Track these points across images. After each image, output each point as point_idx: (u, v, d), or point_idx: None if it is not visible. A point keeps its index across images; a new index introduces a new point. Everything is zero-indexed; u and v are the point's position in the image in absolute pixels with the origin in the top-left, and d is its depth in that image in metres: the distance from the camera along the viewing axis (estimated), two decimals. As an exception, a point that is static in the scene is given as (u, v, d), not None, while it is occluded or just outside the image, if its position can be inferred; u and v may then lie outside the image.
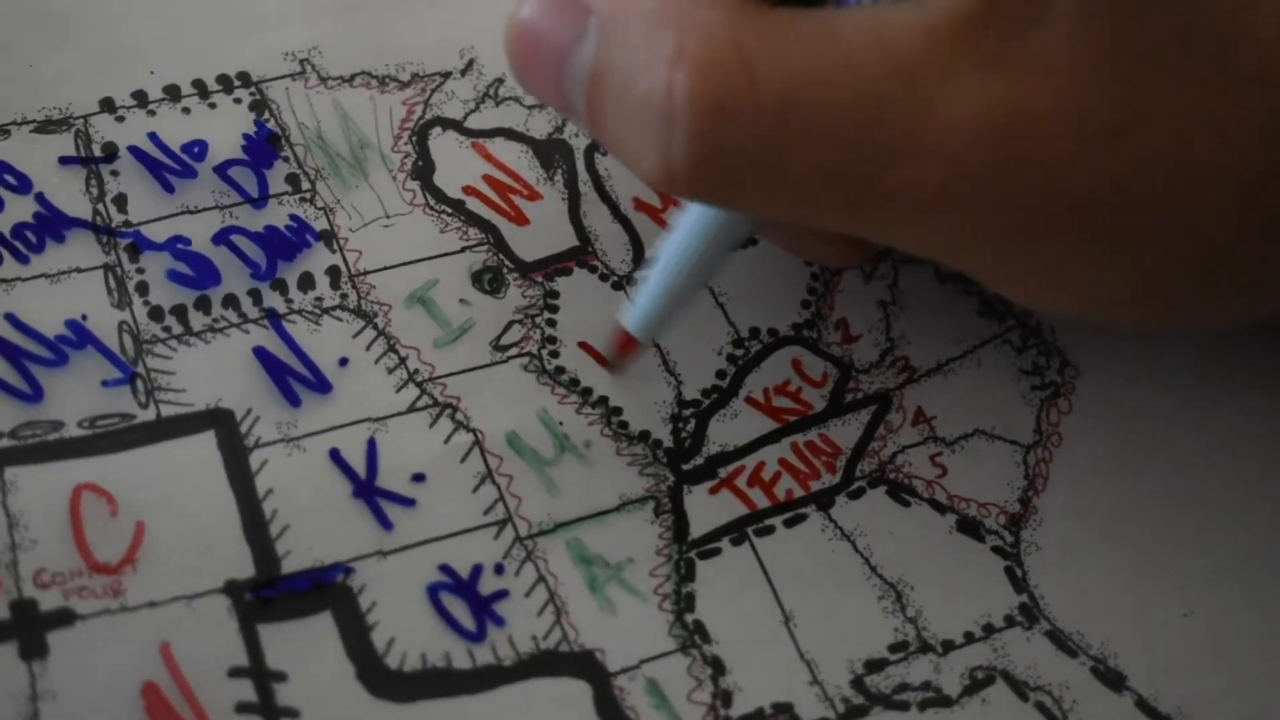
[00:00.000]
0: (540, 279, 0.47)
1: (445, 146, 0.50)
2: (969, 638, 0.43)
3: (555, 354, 0.46)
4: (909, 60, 0.36)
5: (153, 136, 0.48)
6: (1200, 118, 0.36)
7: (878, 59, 0.36)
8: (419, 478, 0.43)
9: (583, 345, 0.47)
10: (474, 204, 0.49)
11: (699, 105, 0.36)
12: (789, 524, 0.44)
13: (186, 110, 0.49)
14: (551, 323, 0.47)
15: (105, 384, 0.44)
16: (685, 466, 0.45)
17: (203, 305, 0.45)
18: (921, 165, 0.36)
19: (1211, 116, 0.36)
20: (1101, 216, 0.37)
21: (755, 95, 0.36)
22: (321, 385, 0.44)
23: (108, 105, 0.49)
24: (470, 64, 0.52)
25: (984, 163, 0.36)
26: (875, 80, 0.36)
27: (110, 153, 0.48)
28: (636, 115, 0.37)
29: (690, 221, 0.43)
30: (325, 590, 0.41)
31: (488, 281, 0.47)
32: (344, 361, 0.45)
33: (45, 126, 0.48)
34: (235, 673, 0.40)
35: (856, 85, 0.36)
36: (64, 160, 0.47)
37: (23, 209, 0.46)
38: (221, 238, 0.46)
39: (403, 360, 0.45)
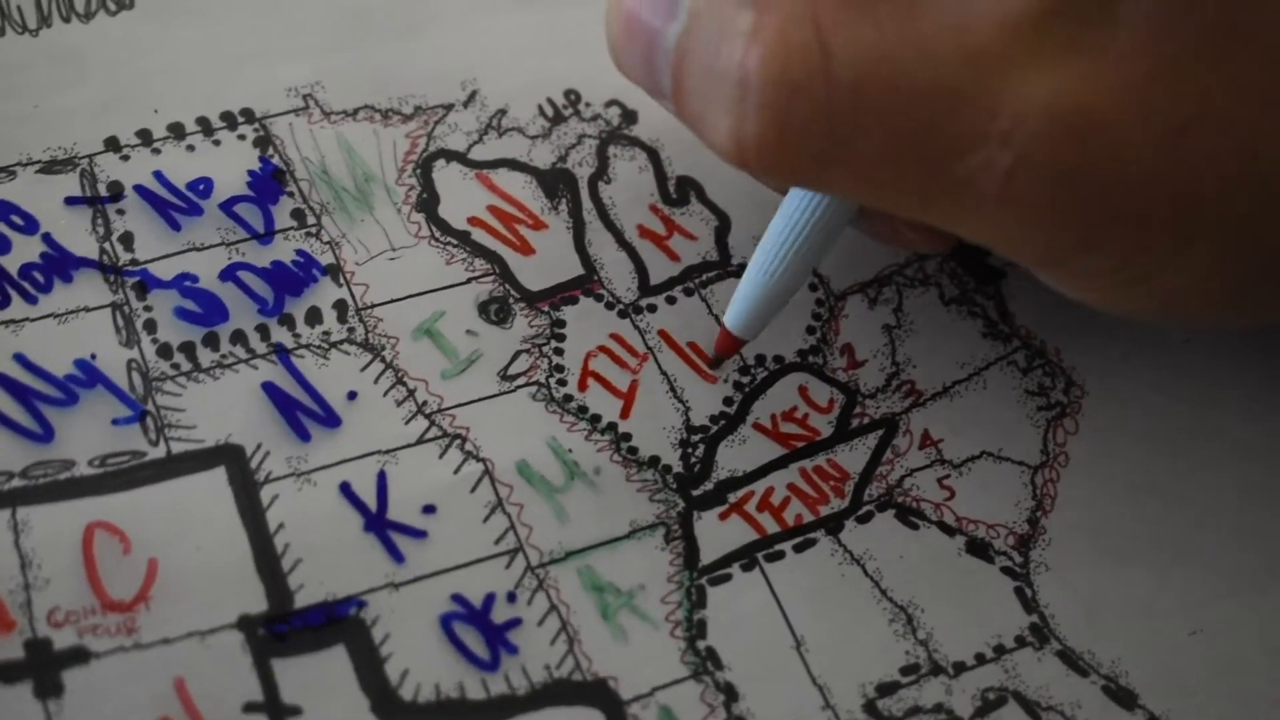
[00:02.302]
0: (546, 308, 0.48)
1: (449, 178, 0.50)
2: (980, 659, 0.43)
3: (563, 382, 0.46)
4: (983, 48, 0.36)
5: (158, 175, 0.49)
6: (1270, 113, 0.36)
7: (952, 45, 0.36)
8: (429, 509, 0.43)
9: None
10: (479, 235, 0.49)
11: (771, 78, 0.37)
12: (799, 549, 0.44)
13: (191, 148, 0.49)
14: (559, 351, 0.47)
15: (115, 422, 0.44)
16: (695, 492, 0.45)
17: (211, 342, 0.45)
18: (991, 154, 0.36)
19: None
20: (1168, 211, 0.37)
21: (829, 72, 0.36)
22: (330, 419, 0.44)
23: (112, 144, 0.49)
24: (473, 95, 0.52)
25: (1052, 153, 0.36)
26: (949, 66, 0.36)
27: (116, 192, 0.48)
28: (713, 88, 0.38)
29: (782, 218, 0.44)
30: (338, 624, 0.41)
31: (494, 312, 0.47)
32: (353, 395, 0.45)
33: (51, 166, 0.48)
34: (250, 708, 0.40)
35: (930, 70, 0.36)
36: (70, 200, 0.48)
37: (30, 249, 0.46)
38: (228, 274, 0.47)
39: (411, 392, 0.45)
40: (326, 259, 0.48)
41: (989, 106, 0.36)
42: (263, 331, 0.46)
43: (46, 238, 0.47)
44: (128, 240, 0.47)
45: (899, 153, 0.37)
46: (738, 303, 0.45)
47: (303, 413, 0.44)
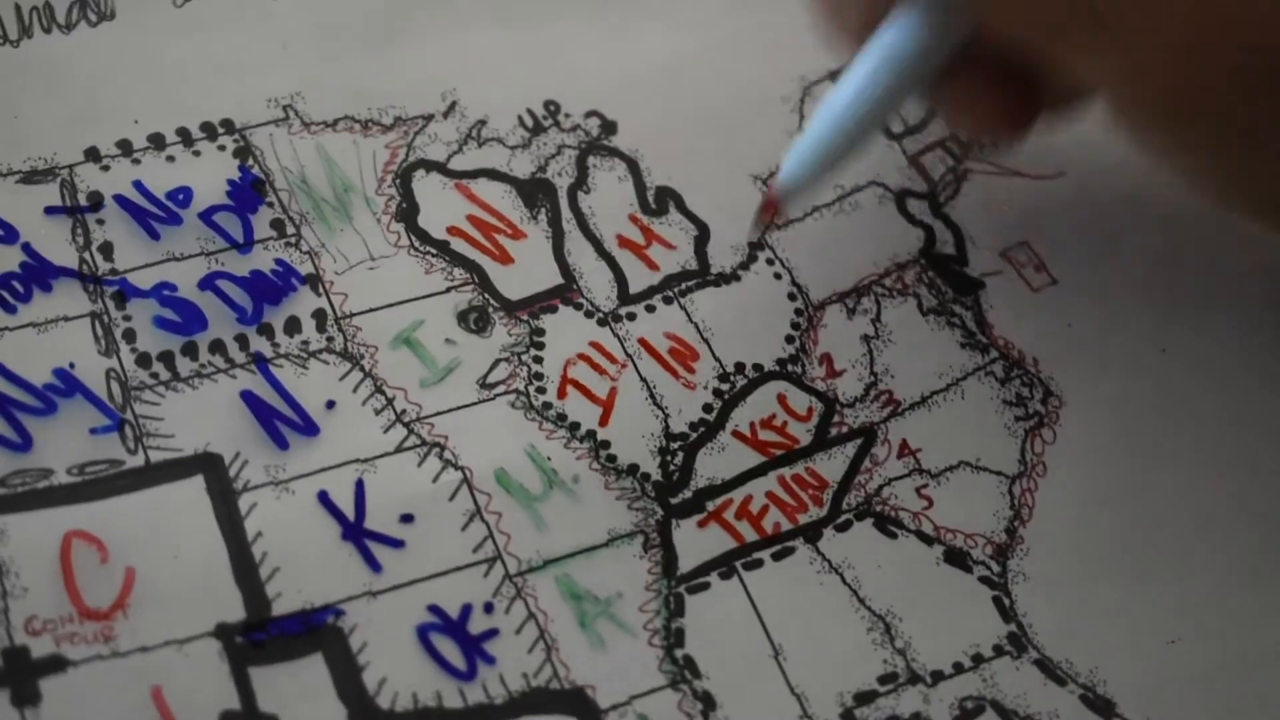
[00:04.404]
0: (525, 317, 0.48)
1: (429, 188, 0.50)
2: (958, 668, 0.43)
3: (542, 390, 0.46)
4: None
5: (138, 184, 0.49)
6: None
7: None
8: (407, 518, 0.43)
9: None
10: (458, 244, 0.49)
11: None
12: (777, 557, 0.44)
13: (171, 158, 0.49)
14: (538, 359, 0.47)
15: (94, 431, 0.44)
16: (673, 500, 0.45)
17: (190, 351, 0.45)
18: None
19: None
20: None
21: None
22: (309, 428, 0.44)
23: (92, 155, 0.49)
24: (452, 106, 0.52)
25: None
26: None
27: (96, 202, 0.48)
28: None
29: (866, 60, 0.43)
30: (316, 632, 0.41)
31: (473, 321, 0.47)
32: (331, 404, 0.45)
33: (31, 177, 0.48)
34: (227, 716, 0.40)
35: None
36: (50, 210, 0.48)
37: (9, 259, 0.46)
38: (207, 283, 0.47)
39: (390, 401, 0.45)
40: (306, 268, 0.48)
41: None
42: (241, 341, 0.46)
43: (26, 247, 0.47)
44: (107, 250, 0.47)
45: None
46: (799, 149, 0.43)
47: (281, 421, 0.44)
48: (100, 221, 0.48)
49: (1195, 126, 0.39)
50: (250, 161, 0.50)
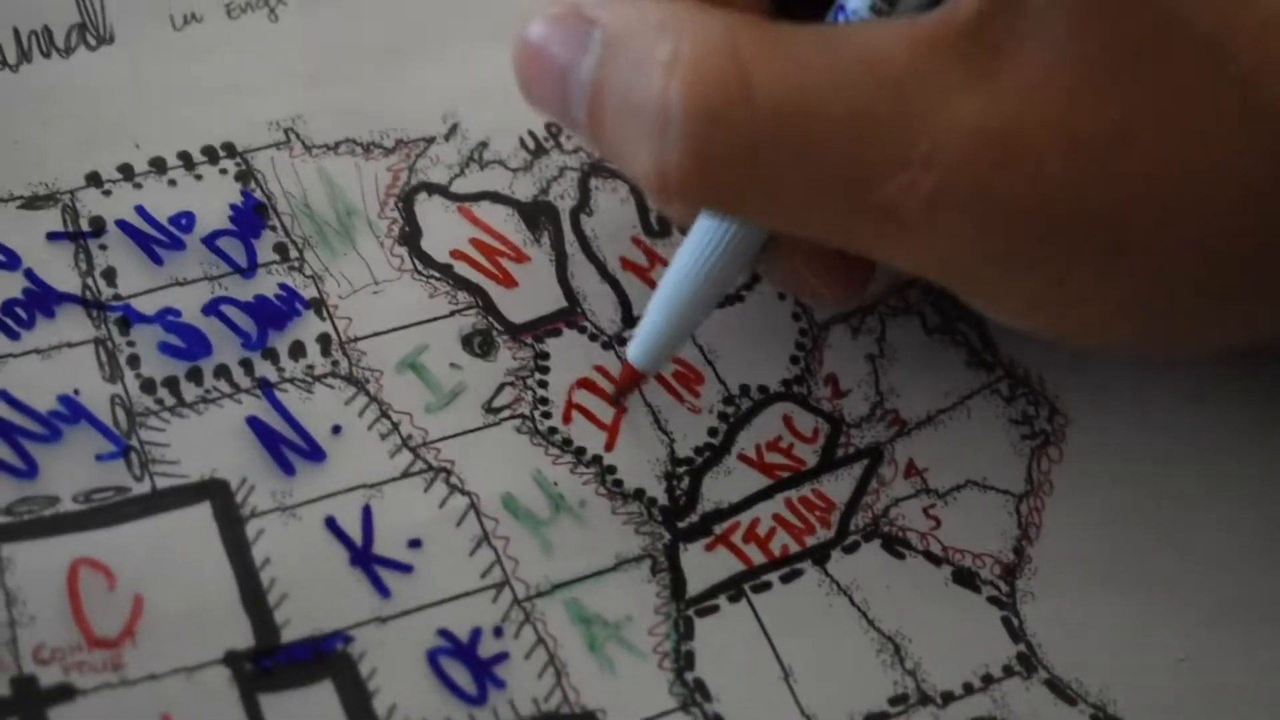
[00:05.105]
0: (530, 340, 0.48)
1: (431, 211, 0.50)
2: (968, 689, 0.43)
3: (548, 415, 0.46)
4: (898, 74, 0.36)
5: (140, 209, 0.48)
6: (1189, 129, 0.36)
7: (867, 72, 0.37)
8: (415, 543, 0.43)
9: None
10: (462, 268, 0.49)
11: (693, 108, 0.37)
12: (785, 579, 0.44)
13: (173, 182, 0.49)
14: (543, 384, 0.47)
15: (99, 458, 0.43)
16: (680, 524, 0.45)
17: (195, 376, 0.45)
18: (913, 177, 0.36)
19: (1200, 127, 0.37)
20: (1094, 231, 0.37)
21: (750, 102, 0.36)
22: (315, 453, 0.44)
23: (94, 180, 0.49)
24: (454, 129, 0.52)
25: (975, 175, 0.36)
26: (865, 93, 0.37)
27: (98, 227, 0.48)
28: (633, 120, 0.38)
29: (687, 252, 0.43)
30: (325, 659, 0.41)
31: (478, 344, 0.47)
32: (337, 429, 0.45)
33: (33, 202, 0.48)
34: (237, 744, 0.40)
35: (847, 98, 0.37)
36: (52, 235, 0.47)
37: (12, 285, 0.46)
38: (211, 308, 0.47)
39: (395, 426, 0.45)
40: (309, 293, 0.47)
41: (907, 132, 0.36)
42: (246, 366, 0.46)
43: (29, 273, 0.47)
44: (110, 275, 0.47)
45: (821, 180, 0.37)
46: (642, 337, 0.45)
47: (287, 447, 0.44)
48: (103, 247, 0.48)
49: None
50: (252, 185, 0.50)
